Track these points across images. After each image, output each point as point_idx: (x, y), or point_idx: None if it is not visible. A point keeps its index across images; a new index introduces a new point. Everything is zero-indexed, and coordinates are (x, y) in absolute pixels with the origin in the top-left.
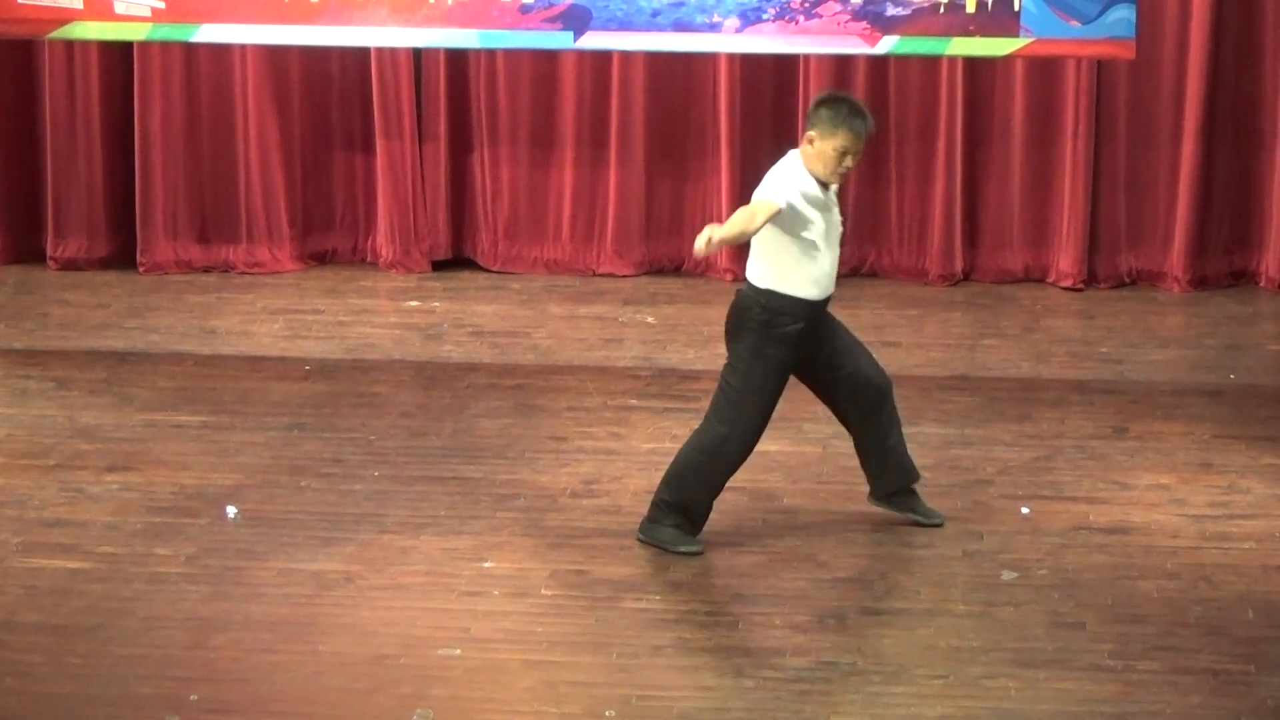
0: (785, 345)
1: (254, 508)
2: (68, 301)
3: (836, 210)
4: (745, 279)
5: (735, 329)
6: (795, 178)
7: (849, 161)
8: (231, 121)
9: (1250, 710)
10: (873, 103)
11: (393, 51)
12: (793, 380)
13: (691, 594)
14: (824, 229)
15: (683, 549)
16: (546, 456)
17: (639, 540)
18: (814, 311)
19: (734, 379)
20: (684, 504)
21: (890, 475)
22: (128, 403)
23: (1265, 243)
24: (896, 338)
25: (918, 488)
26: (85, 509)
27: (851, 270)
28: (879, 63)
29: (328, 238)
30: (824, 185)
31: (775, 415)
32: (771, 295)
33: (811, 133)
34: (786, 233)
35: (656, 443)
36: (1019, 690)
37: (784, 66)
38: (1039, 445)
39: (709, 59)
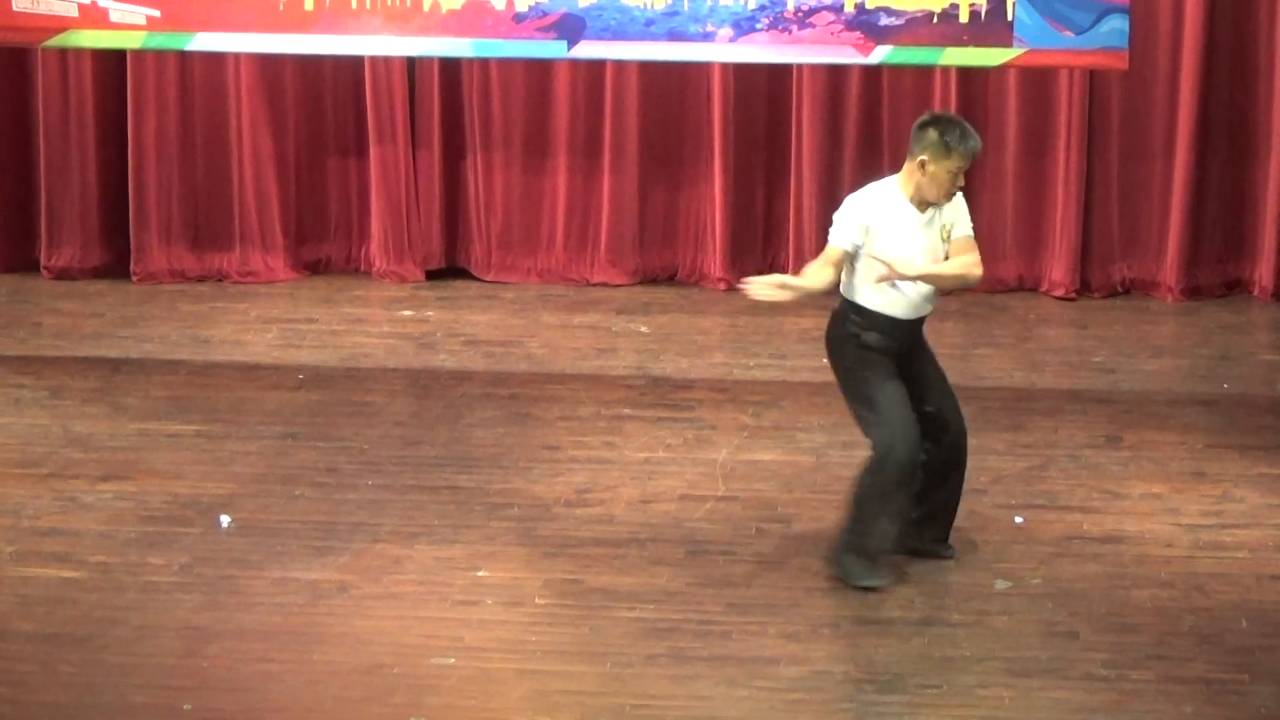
0: (868, 352)
1: (248, 517)
2: (61, 310)
3: (938, 227)
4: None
5: (829, 347)
6: (863, 210)
7: (960, 180)
8: (225, 130)
9: (1244, 719)
10: (866, 112)
11: (386, 60)
12: (791, 387)
13: (685, 603)
14: (917, 247)
15: (865, 583)
16: (540, 466)
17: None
18: (895, 327)
19: (847, 399)
20: (863, 533)
21: (928, 530)
22: (121, 412)
23: (1258, 252)
24: None
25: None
26: (79, 518)
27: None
28: (872, 72)
29: (321, 247)
30: (925, 205)
31: (770, 425)
32: (850, 306)
33: (923, 156)
34: (864, 255)
35: (650, 452)
36: (1013, 699)
37: (777, 76)
38: (1032, 455)
39: (702, 68)
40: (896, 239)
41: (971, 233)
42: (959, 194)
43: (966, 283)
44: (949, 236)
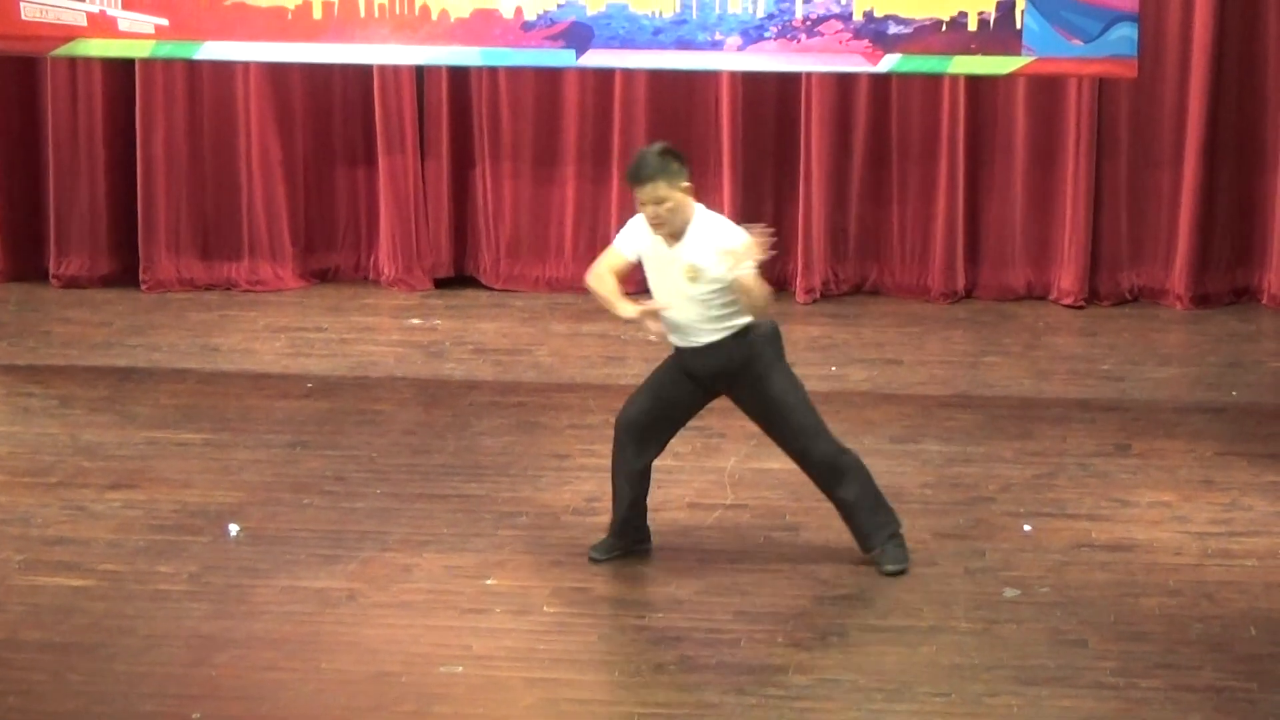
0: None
1: (256, 525)
2: (70, 319)
3: (683, 265)
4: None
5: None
6: (634, 231)
7: (650, 211)
8: (234, 139)
9: None
10: (875, 121)
11: (395, 69)
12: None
13: (693, 611)
14: (658, 280)
15: (888, 568)
16: (549, 474)
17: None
18: (681, 354)
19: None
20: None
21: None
22: (130, 420)
23: (1267, 260)
24: (898, 355)
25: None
26: (87, 527)
27: (854, 287)
28: (881, 81)
29: (330, 255)
30: (671, 239)
31: None
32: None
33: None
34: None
35: (658, 460)
36: (1021, 708)
37: (786, 85)
38: (1041, 463)
39: (711, 77)
40: (649, 268)
41: (743, 274)
42: (712, 228)
43: (749, 296)
44: (696, 278)
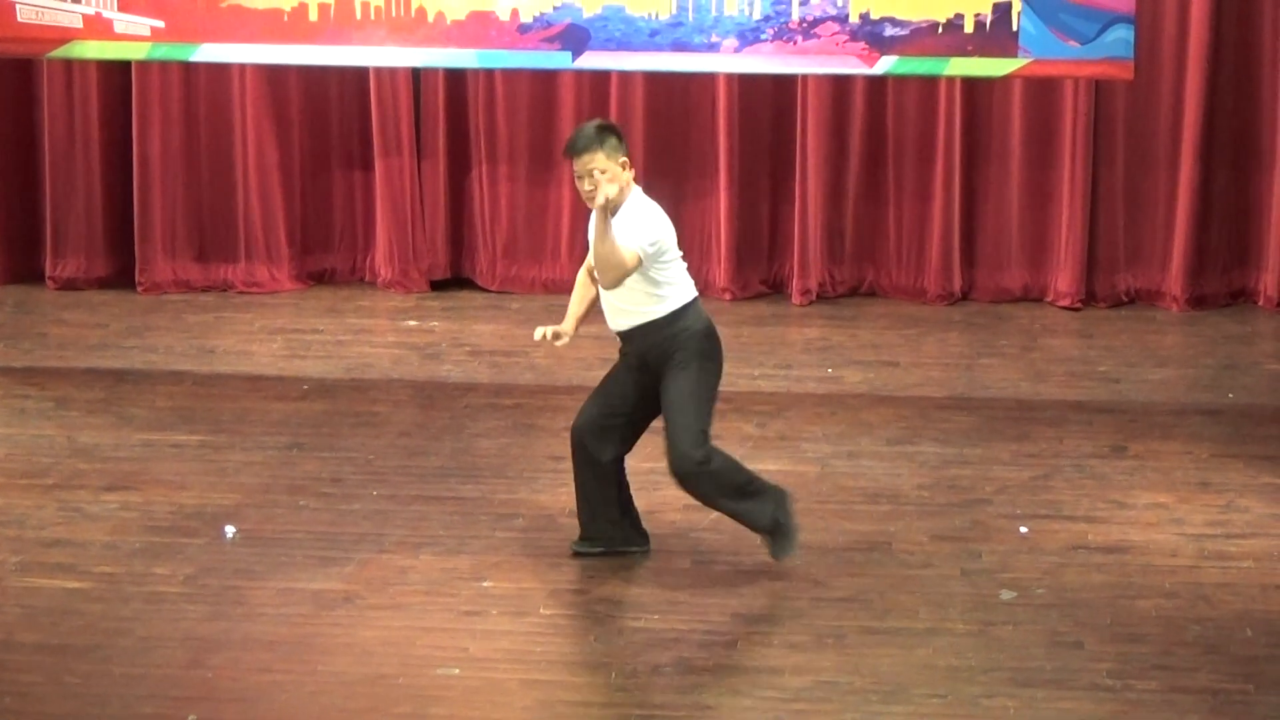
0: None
1: (252, 527)
2: (66, 321)
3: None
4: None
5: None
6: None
7: (584, 185)
8: (230, 141)
9: None
10: (871, 122)
11: (391, 71)
12: (795, 398)
13: (690, 613)
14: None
15: (775, 556)
16: (545, 476)
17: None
18: (619, 337)
19: None
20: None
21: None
22: (126, 422)
23: (1263, 262)
24: (895, 357)
25: None
26: (84, 528)
27: (850, 289)
28: (877, 83)
29: (326, 257)
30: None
31: (774, 435)
32: None
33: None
34: None
35: (654, 462)
36: (1018, 710)
37: (782, 87)
38: (1037, 464)
39: (707, 79)
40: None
41: (637, 248)
42: (639, 209)
43: (609, 258)
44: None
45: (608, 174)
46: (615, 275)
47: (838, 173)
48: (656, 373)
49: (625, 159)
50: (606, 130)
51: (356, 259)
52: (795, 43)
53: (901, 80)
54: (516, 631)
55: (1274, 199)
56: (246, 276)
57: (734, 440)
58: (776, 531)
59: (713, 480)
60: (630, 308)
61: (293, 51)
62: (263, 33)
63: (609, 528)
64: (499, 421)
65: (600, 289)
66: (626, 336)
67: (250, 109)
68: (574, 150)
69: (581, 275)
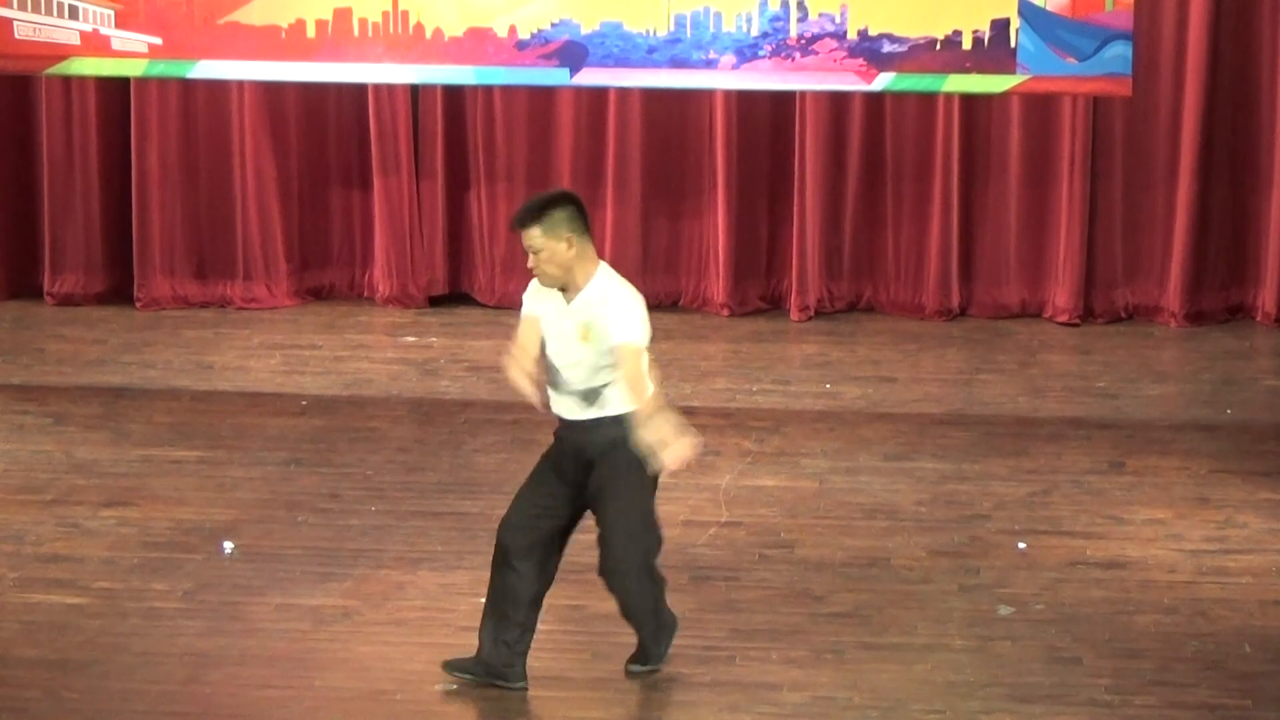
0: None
1: (251, 543)
2: (64, 337)
3: (577, 322)
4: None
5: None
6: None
7: (530, 261)
8: (228, 157)
9: None
10: (869, 139)
11: (390, 88)
12: (793, 413)
13: (688, 629)
14: (556, 333)
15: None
16: None
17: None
18: (562, 426)
19: None
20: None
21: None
22: (124, 438)
23: (1261, 278)
24: (893, 373)
25: None
26: (82, 544)
27: (848, 305)
28: (875, 99)
29: (325, 273)
30: (569, 292)
31: (773, 450)
32: None
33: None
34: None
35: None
36: None
37: (780, 103)
38: (1035, 480)
39: (705, 96)
40: (546, 324)
41: (628, 342)
42: (615, 295)
43: (645, 429)
44: (588, 335)
45: (543, 253)
46: (641, 390)
47: (836, 188)
48: (589, 468)
49: (571, 236)
50: (555, 203)
51: (355, 275)
52: (793, 59)
53: (900, 96)
54: None
55: (1272, 215)
56: (245, 292)
57: (733, 456)
58: (652, 654)
59: (646, 583)
60: (590, 397)
61: (291, 68)
62: (260, 49)
63: (505, 659)
64: (497, 437)
65: (552, 376)
66: (575, 426)
67: (248, 125)
68: (512, 225)
69: (522, 343)
